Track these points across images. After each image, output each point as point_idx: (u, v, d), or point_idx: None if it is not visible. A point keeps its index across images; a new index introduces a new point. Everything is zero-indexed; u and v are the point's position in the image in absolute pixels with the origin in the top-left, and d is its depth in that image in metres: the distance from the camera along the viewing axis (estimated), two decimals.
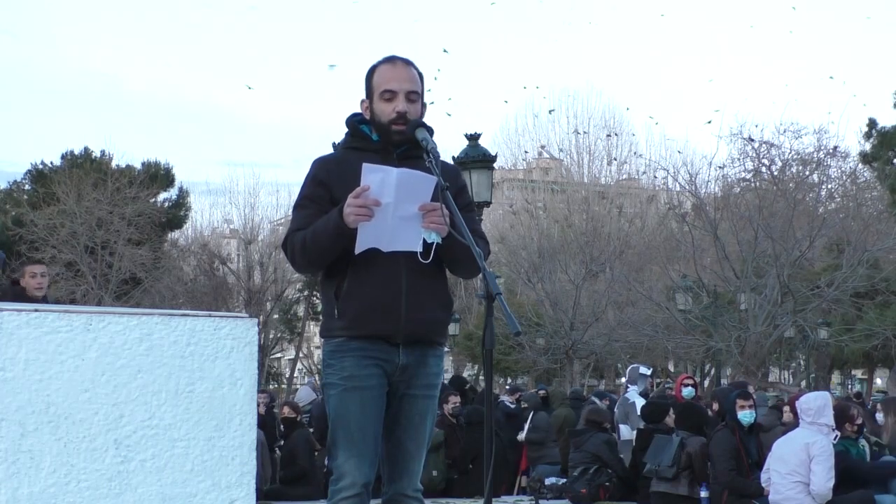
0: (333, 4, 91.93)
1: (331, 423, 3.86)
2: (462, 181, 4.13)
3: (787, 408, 12.48)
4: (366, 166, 3.64)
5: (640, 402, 12.18)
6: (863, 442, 9.49)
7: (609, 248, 32.14)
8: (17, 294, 7.83)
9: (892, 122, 35.27)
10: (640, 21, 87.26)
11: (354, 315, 3.80)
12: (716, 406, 11.76)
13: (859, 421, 9.24)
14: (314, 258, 3.85)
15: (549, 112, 41.81)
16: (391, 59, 3.99)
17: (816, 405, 8.63)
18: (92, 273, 32.80)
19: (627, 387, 13.40)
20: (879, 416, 10.46)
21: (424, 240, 3.72)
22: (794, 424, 9.40)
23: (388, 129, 3.90)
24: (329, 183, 3.88)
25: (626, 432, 12.17)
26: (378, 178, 3.63)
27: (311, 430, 13.12)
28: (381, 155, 3.90)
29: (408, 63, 3.98)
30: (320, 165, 3.97)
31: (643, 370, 12.94)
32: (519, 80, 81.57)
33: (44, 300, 7.93)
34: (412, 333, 3.84)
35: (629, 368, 13.97)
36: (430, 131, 3.87)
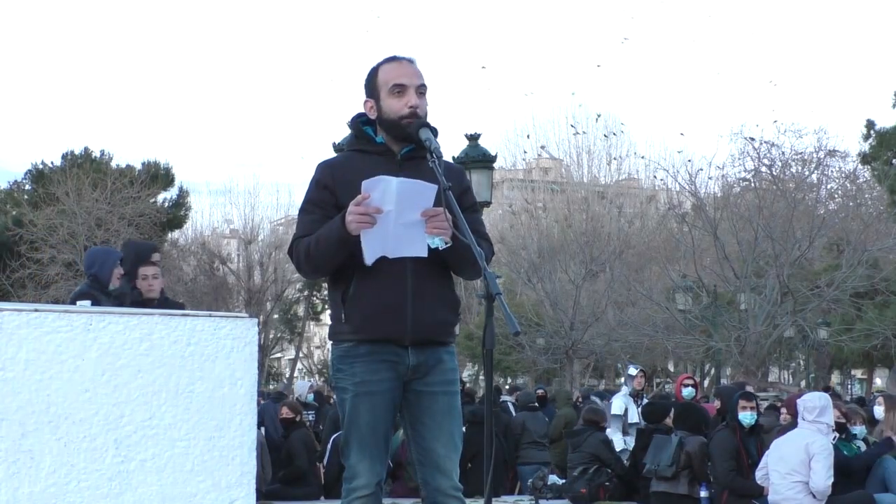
0: (335, 4, 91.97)
1: (344, 426, 3.92)
2: (467, 183, 4.13)
3: (783, 409, 12.50)
4: (365, 182, 3.64)
5: (615, 403, 12.25)
6: (859, 443, 9.51)
7: (609, 248, 32.13)
8: (136, 298, 7.34)
9: (891, 122, 35.25)
10: (640, 21, 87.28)
11: (361, 319, 3.82)
12: (717, 404, 11.76)
13: (842, 420, 9.30)
14: (319, 265, 3.86)
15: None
16: (395, 58, 3.98)
17: (818, 405, 8.65)
18: None
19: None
20: (878, 410, 10.47)
21: (429, 245, 3.72)
22: (792, 425, 9.42)
23: (398, 125, 3.87)
24: (333, 187, 3.88)
25: (620, 442, 12.17)
26: (379, 189, 3.63)
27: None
28: (384, 157, 3.90)
29: (412, 60, 3.98)
30: (324, 169, 3.96)
31: (630, 370, 12.96)
32: (517, 81, 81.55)
33: (160, 303, 7.40)
34: (419, 335, 3.84)
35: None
36: (435, 132, 3.85)
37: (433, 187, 3.66)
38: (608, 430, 11.86)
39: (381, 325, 3.81)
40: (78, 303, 6.41)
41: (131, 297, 7.36)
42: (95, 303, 6.53)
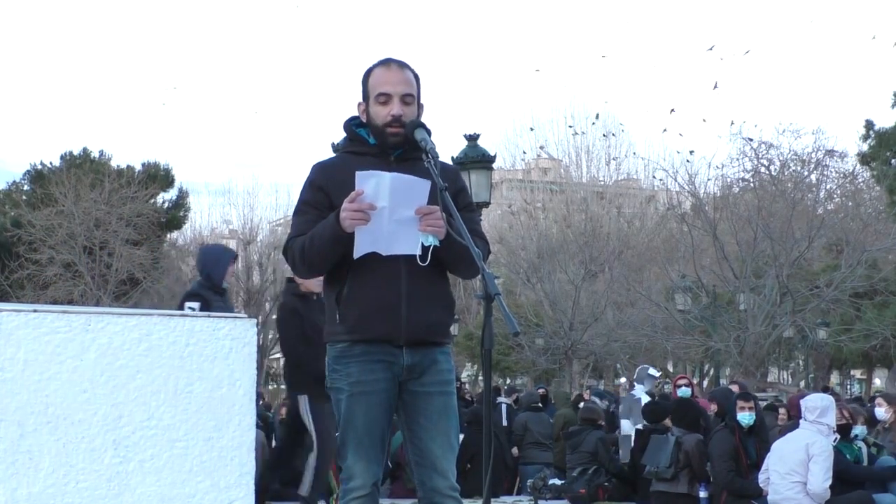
0: (335, 4, 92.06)
1: (340, 427, 3.93)
2: (462, 182, 4.14)
3: (782, 410, 12.53)
4: (359, 173, 3.66)
5: (645, 400, 12.24)
6: (859, 444, 9.50)
7: (608, 249, 32.14)
8: (299, 296, 7.73)
9: (890, 122, 35.21)
10: (637, 22, 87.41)
11: (355, 319, 3.84)
12: (714, 406, 11.76)
13: (844, 422, 9.29)
14: (315, 264, 3.88)
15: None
16: (386, 62, 4.00)
17: (820, 405, 8.64)
18: (90, 273, 32.78)
19: (633, 384, 13.42)
20: (879, 411, 10.47)
21: (422, 243, 3.73)
22: (793, 425, 9.42)
23: (383, 133, 3.92)
24: (328, 188, 3.90)
25: (627, 427, 12.14)
26: (372, 183, 3.65)
27: None
28: (378, 158, 3.92)
29: (402, 65, 3.99)
30: (319, 170, 4.00)
31: (652, 371, 13.01)
32: (518, 80, 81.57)
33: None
34: (413, 335, 3.85)
35: (639, 368, 13.96)
36: (429, 132, 3.88)
37: (426, 182, 3.67)
38: (632, 419, 11.83)
39: (375, 325, 3.82)
40: (187, 304, 6.54)
41: (292, 298, 7.79)
42: (205, 304, 6.65)
